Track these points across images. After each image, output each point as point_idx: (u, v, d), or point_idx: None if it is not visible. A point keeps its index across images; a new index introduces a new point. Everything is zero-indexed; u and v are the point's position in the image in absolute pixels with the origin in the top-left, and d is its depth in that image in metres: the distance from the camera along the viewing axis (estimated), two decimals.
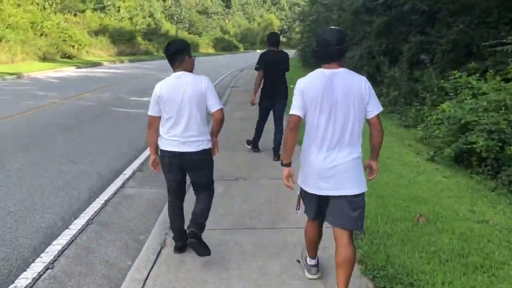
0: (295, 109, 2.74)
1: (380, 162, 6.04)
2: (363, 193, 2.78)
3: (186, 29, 59.01)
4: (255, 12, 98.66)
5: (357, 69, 15.93)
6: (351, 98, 2.69)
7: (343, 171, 2.70)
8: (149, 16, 51.60)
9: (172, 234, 3.70)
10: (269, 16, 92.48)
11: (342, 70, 2.75)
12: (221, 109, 3.43)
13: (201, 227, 3.44)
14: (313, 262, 3.19)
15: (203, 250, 3.35)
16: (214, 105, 3.38)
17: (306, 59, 27.13)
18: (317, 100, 2.69)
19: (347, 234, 2.79)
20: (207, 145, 3.41)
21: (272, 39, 6.59)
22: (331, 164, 2.70)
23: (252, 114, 9.57)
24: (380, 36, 15.00)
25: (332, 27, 2.97)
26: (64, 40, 29.44)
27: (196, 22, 61.39)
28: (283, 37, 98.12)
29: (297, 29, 38.92)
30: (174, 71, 3.40)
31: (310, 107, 2.71)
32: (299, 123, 2.75)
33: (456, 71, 9.15)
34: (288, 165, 2.83)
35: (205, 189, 3.57)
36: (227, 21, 79.91)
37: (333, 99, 2.67)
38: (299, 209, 2.98)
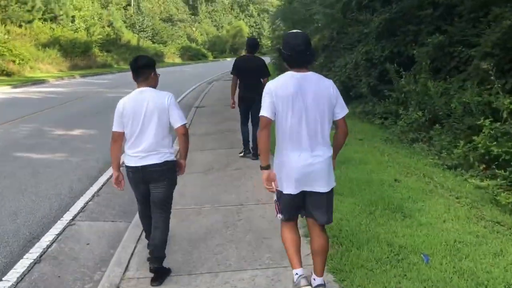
0: (264, 111, 2.79)
1: None
2: (333, 188, 2.93)
3: (150, 38, 55.13)
4: (223, 19, 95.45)
5: (351, 79, 12.78)
6: (321, 100, 2.79)
7: (318, 170, 2.79)
8: (108, 26, 47.62)
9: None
10: (238, 23, 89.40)
11: (311, 73, 2.84)
12: (184, 125, 3.39)
13: (162, 259, 3.41)
14: (300, 271, 2.95)
15: (156, 281, 3.33)
16: (177, 121, 3.34)
17: (281, 68, 23.93)
18: (289, 102, 2.74)
19: (320, 225, 2.92)
20: (169, 157, 3.37)
21: (247, 43, 7.12)
22: (307, 163, 2.77)
23: (225, 159, 6.25)
24: (381, 38, 11.88)
25: (296, 30, 3.00)
26: (2, 54, 25.34)
27: (160, 31, 57.54)
28: None
29: (269, 35, 35.83)
30: (138, 86, 3.38)
31: (282, 109, 2.76)
32: (270, 124, 2.80)
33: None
34: (267, 167, 2.86)
35: (162, 207, 3.46)
36: (194, 29, 76.31)
37: (305, 101, 2.75)
38: (279, 212, 2.93)
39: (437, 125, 7.91)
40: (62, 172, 6.55)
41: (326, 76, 12.65)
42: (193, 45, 67.77)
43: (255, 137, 6.61)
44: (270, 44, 30.18)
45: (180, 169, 3.52)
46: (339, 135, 2.96)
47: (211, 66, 47.63)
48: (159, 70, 3.59)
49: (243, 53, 6.91)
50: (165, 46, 56.95)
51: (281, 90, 2.75)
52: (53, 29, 36.38)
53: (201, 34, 78.43)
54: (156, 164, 3.29)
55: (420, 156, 7.40)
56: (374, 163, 6.28)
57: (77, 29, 40.01)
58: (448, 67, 9.82)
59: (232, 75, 7.04)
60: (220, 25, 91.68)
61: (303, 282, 2.90)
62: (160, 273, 3.36)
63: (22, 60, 26.75)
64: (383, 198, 4.68)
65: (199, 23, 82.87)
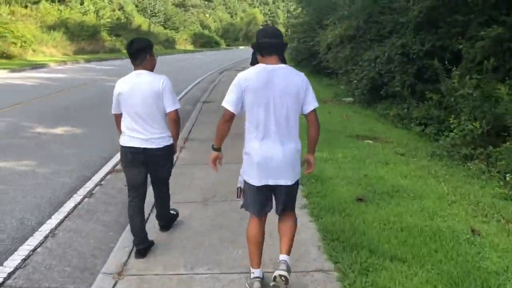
0: (230, 104, 2.77)
1: None
2: (298, 180, 2.93)
3: (162, 23, 53.47)
4: (237, 7, 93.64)
5: (382, 76, 11.08)
6: (289, 93, 2.78)
7: (282, 163, 2.79)
8: (119, 9, 46.05)
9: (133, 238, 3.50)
10: (253, 11, 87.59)
11: (283, 66, 2.83)
12: (176, 111, 3.43)
13: (170, 218, 3.90)
14: (257, 272, 2.94)
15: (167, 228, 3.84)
16: (169, 106, 3.39)
17: (299, 59, 22.17)
18: (258, 93, 2.75)
19: (285, 213, 2.96)
20: (168, 141, 3.46)
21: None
22: (271, 155, 2.77)
23: (232, 180, 4.69)
24: (420, 29, 10.15)
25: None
26: (2, 36, 23.90)
27: (172, 16, 55.86)
28: None
29: (283, 23, 33.77)
30: (135, 69, 3.40)
31: (251, 101, 2.77)
32: (232, 119, 2.82)
33: None
34: (219, 149, 2.99)
35: (163, 185, 3.74)
36: (207, 15, 74.46)
37: (273, 94, 2.75)
38: (240, 196, 3.00)
39: (508, 142, 6.21)
40: (19, 192, 5.02)
41: (352, 71, 11.21)
42: (206, 31, 66.04)
43: None
44: (284, 34, 27.96)
45: (174, 149, 3.67)
46: (310, 129, 2.91)
47: (223, 54, 45.95)
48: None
49: None
50: (177, 32, 55.33)
51: (251, 81, 2.77)
52: (61, 11, 34.94)
53: (214, 21, 76.67)
54: (158, 149, 3.39)
55: (481, 181, 5.76)
56: (432, 197, 4.66)
57: (86, 11, 38.53)
58: (508, 65, 8.14)
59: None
60: (234, 12, 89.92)
61: (256, 285, 2.90)
62: (169, 224, 3.90)
63: (25, 42, 25.33)
64: (468, 272, 3.06)
65: (213, 9, 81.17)
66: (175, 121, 3.46)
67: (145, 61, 3.37)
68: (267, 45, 2.80)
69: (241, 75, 2.81)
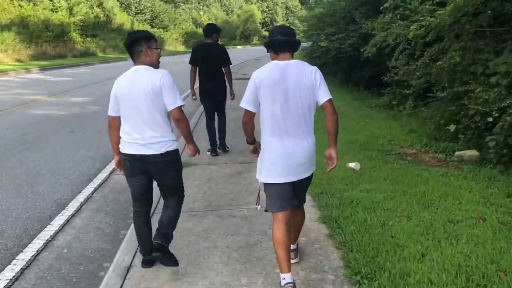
0: (249, 104, 2.80)
1: None
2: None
3: (148, 21, 47.32)
4: (233, 3, 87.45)
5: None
6: (303, 87, 2.77)
7: (303, 159, 2.81)
8: (97, 6, 39.85)
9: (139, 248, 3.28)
10: (250, 8, 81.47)
11: (295, 61, 2.83)
12: (179, 108, 2.97)
13: (168, 238, 3.18)
14: (288, 278, 2.77)
15: (169, 262, 3.13)
16: (170, 103, 2.95)
17: (321, 63, 16.05)
18: (272, 90, 2.75)
19: (298, 206, 3.02)
20: (171, 147, 3.04)
21: (206, 29, 6.32)
22: (292, 152, 2.77)
23: None
24: None
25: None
26: None
27: (161, 13, 49.65)
28: (264, 30, 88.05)
29: (282, 20, 27.50)
30: (134, 65, 3.05)
31: (265, 98, 2.77)
32: (253, 117, 2.83)
33: None
34: (253, 141, 2.98)
35: (174, 193, 3.22)
36: (201, 13, 68.35)
37: (287, 89, 2.75)
38: (259, 203, 3.01)
39: None
40: None
41: (469, 96, 6.55)
42: (199, 30, 59.87)
43: (222, 128, 6.37)
44: (302, 29, 21.13)
45: (191, 152, 3.26)
46: (327, 120, 2.85)
47: None
48: None
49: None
50: (166, 31, 49.19)
51: (266, 79, 2.77)
52: (21, 7, 28.82)
53: (209, 19, 70.56)
54: (157, 155, 2.97)
55: None
56: None
57: (56, 8, 32.38)
58: None
59: (190, 65, 6.13)
60: (230, 9, 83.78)
61: None
62: (163, 253, 3.08)
63: None
64: None
65: (207, 6, 75.07)
66: (178, 120, 3.00)
67: (141, 55, 2.95)
68: (282, 42, 2.79)
69: (255, 73, 2.83)
